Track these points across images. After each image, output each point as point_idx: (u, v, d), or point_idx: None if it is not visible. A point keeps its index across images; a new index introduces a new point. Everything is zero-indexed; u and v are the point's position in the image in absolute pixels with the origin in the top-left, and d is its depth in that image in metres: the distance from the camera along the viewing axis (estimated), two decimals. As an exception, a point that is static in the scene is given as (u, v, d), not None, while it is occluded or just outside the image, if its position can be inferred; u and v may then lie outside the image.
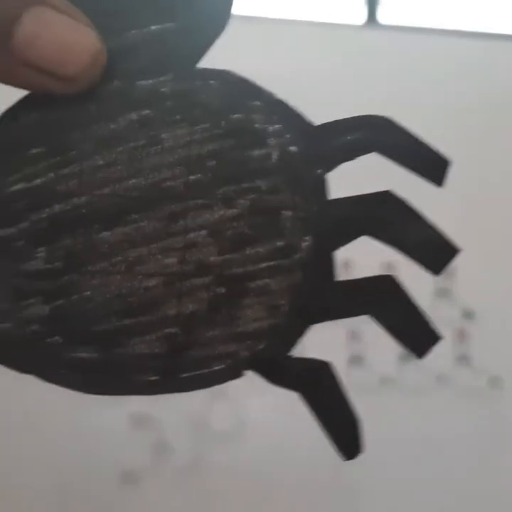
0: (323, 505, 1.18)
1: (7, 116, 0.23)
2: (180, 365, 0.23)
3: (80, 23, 0.21)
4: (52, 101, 0.23)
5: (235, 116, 0.24)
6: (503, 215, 1.20)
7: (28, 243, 0.23)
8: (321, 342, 1.18)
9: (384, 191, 0.24)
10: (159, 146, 0.24)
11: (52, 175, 0.23)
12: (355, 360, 1.17)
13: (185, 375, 0.23)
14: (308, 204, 0.24)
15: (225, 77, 0.24)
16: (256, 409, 1.17)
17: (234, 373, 0.23)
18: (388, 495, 1.19)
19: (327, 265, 0.23)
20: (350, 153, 0.24)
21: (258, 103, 0.24)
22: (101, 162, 0.23)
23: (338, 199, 0.24)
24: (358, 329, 1.17)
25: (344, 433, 0.25)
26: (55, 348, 0.23)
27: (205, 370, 0.23)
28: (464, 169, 1.32)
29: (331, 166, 0.24)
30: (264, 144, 0.24)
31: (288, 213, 0.23)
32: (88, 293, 0.23)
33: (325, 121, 0.24)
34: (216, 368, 0.23)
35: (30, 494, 1.15)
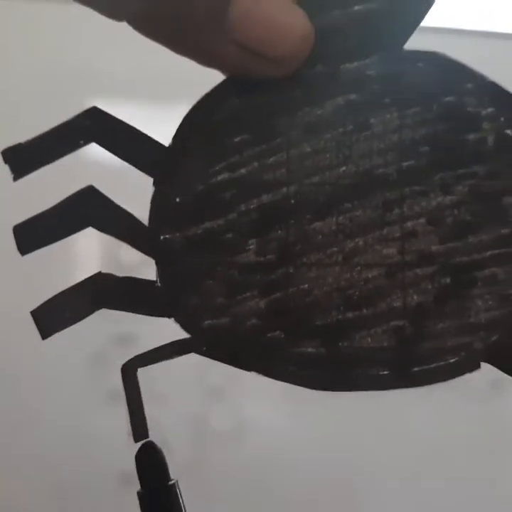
0: (323, 505, 1.18)
1: (206, 101, 0.23)
2: (411, 358, 0.23)
3: (292, 2, 0.20)
4: (255, 85, 0.22)
5: (447, 99, 0.23)
6: None
7: (237, 235, 0.22)
8: None
9: None
10: (369, 132, 0.23)
11: (257, 164, 0.22)
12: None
13: (417, 368, 0.23)
14: None
15: (434, 59, 0.24)
16: (256, 409, 1.17)
17: (470, 365, 0.23)
18: (389, 496, 1.18)
19: None
20: None
21: (470, 85, 0.23)
22: (308, 149, 0.22)
23: None
24: None
25: None
26: (279, 343, 0.23)
27: (440, 363, 0.23)
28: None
29: None
30: (479, 128, 0.23)
31: (510, 199, 0.22)
32: (306, 286, 0.22)
33: None
34: (450, 360, 0.23)
35: (28, 495, 1.15)
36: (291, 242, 0.22)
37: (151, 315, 0.25)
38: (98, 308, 0.24)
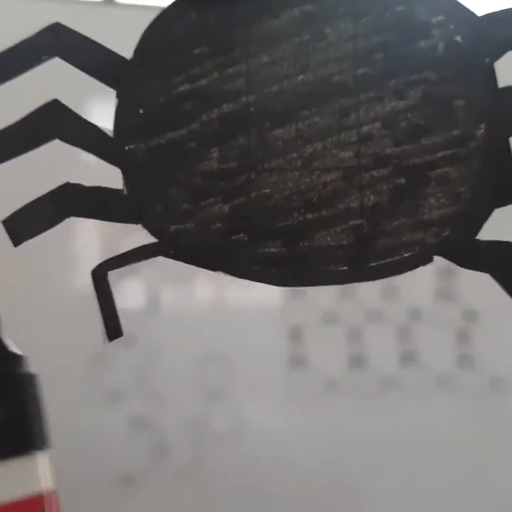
0: (323, 506, 1.18)
1: (165, 15, 0.23)
2: (368, 254, 0.24)
3: None
4: None
5: (399, 8, 0.24)
6: (505, 214, 1.20)
7: (200, 144, 0.23)
8: (320, 343, 1.18)
9: None
10: (324, 41, 0.23)
11: (217, 74, 0.23)
12: (355, 361, 1.17)
13: (374, 263, 0.24)
14: (480, 93, 0.23)
15: None
16: (256, 409, 1.17)
17: (423, 259, 0.25)
18: (388, 495, 1.18)
19: (504, 151, 0.24)
20: None
21: None
22: (267, 59, 0.23)
23: (510, 87, 0.24)
24: (358, 329, 1.16)
25: None
26: (243, 245, 0.24)
27: (395, 258, 0.24)
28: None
29: (498, 55, 0.24)
30: (429, 36, 0.23)
31: (460, 102, 0.23)
32: (267, 190, 0.23)
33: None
34: (405, 255, 0.24)
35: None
36: (252, 149, 0.23)
37: (118, 221, 0.25)
38: (67, 217, 0.25)
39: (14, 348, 0.22)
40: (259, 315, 1.15)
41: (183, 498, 1.14)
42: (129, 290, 1.12)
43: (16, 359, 0.23)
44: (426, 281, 1.16)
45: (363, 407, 1.16)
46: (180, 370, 1.12)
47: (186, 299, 1.12)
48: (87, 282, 1.31)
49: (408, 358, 1.17)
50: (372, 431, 1.16)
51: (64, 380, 1.12)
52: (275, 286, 0.25)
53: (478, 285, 1.32)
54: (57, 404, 1.22)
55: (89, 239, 1.10)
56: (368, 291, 1.17)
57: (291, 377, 1.16)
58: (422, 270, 1.11)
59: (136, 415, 1.12)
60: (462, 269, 0.27)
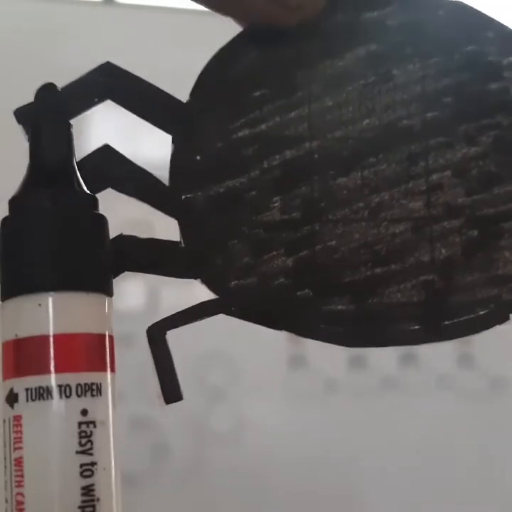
0: (323, 506, 1.18)
1: (224, 54, 0.22)
2: (441, 312, 0.23)
3: None
4: (274, 37, 0.21)
5: (469, 48, 0.22)
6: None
7: (261, 193, 0.22)
8: (320, 343, 1.18)
9: None
10: (391, 83, 0.22)
11: (278, 119, 0.22)
12: (355, 361, 1.17)
13: (447, 322, 0.23)
14: None
15: (454, 7, 0.23)
16: (255, 411, 1.17)
17: (500, 317, 0.23)
18: (388, 495, 1.18)
19: None
20: None
21: (490, 34, 0.23)
22: (330, 103, 0.22)
23: None
24: None
25: None
26: (308, 302, 0.22)
27: (470, 316, 0.23)
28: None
29: None
30: (501, 77, 0.22)
31: None
32: (333, 242, 0.22)
33: None
34: (480, 313, 0.23)
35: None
36: (315, 198, 0.22)
37: (176, 276, 0.25)
38: (122, 272, 0.25)
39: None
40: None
41: (183, 498, 1.14)
42: (129, 290, 1.12)
43: (95, 200, 0.22)
44: None
45: (362, 407, 1.16)
46: (180, 370, 1.12)
47: (186, 299, 1.12)
48: None
49: (408, 357, 1.17)
50: (372, 430, 1.16)
51: None
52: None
53: None
54: None
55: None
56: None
57: (291, 377, 1.16)
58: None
59: (136, 415, 1.13)
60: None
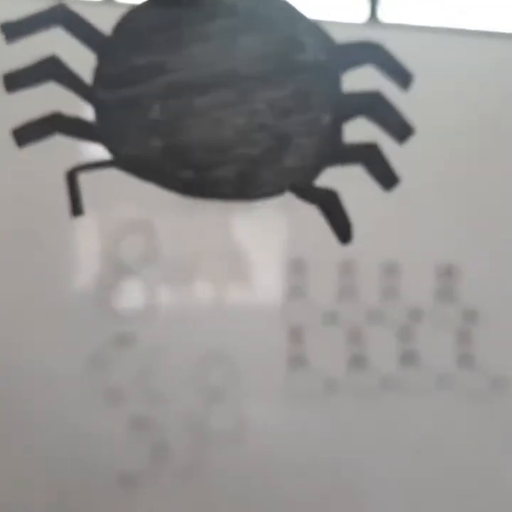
0: (322, 506, 1.19)
1: (135, 10, 0.34)
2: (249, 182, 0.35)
3: None
4: (168, 4, 0.33)
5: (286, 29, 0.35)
6: (506, 215, 1.20)
7: (148, 99, 0.33)
8: (321, 343, 1.18)
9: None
10: (237, 45, 0.34)
11: (165, 55, 0.33)
12: (356, 361, 1.18)
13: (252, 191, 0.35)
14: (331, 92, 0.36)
15: (285, 5, 0.36)
16: (256, 409, 1.18)
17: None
18: (388, 495, 1.19)
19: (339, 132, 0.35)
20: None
21: (302, 23, 0.35)
22: (199, 50, 0.34)
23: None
24: (358, 330, 1.17)
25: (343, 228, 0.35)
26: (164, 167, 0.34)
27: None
28: (465, 169, 1.32)
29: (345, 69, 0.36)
30: (303, 50, 0.35)
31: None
32: (191, 134, 0.34)
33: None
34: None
35: (29, 494, 1.15)
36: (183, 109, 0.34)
37: (88, 141, 0.35)
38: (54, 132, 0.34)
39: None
40: (259, 315, 1.16)
41: (182, 498, 1.15)
42: (130, 290, 1.12)
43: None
44: (426, 281, 1.17)
45: (362, 407, 1.17)
46: (181, 370, 1.13)
47: (186, 299, 1.13)
48: (87, 283, 1.28)
49: (409, 357, 1.18)
50: (372, 430, 1.17)
51: (64, 380, 1.12)
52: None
53: (479, 286, 1.31)
54: (57, 405, 1.21)
55: (91, 242, 1.10)
56: (368, 291, 1.17)
57: (291, 377, 1.17)
58: (422, 270, 1.10)
59: (136, 416, 1.13)
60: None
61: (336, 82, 0.35)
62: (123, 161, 0.33)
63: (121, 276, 1.12)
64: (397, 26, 1.26)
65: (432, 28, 1.25)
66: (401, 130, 0.35)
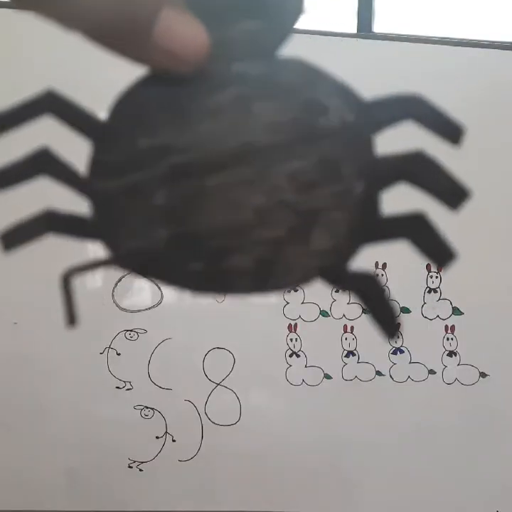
0: (322, 491, 1.21)
1: (132, 88, 0.30)
2: (270, 272, 0.29)
3: (195, 20, 0.27)
4: (168, 79, 0.29)
5: (307, 94, 0.30)
6: (492, 215, 1.21)
7: (151, 183, 0.29)
8: (317, 340, 1.19)
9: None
10: (250, 114, 0.29)
11: (169, 135, 0.29)
12: (350, 353, 1.20)
13: (274, 279, 0.30)
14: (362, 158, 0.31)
15: (298, 64, 0.30)
16: (256, 401, 1.19)
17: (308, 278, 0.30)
18: (383, 482, 1.21)
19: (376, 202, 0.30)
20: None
21: (322, 84, 0.30)
22: (207, 125, 0.29)
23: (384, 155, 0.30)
24: (351, 325, 1.19)
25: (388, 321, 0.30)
26: (175, 260, 0.29)
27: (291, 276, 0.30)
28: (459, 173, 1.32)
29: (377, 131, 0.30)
30: (326, 113, 0.29)
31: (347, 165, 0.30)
32: (199, 221, 0.29)
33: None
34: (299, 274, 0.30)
35: (40, 480, 1.17)
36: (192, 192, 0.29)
37: (85, 239, 0.31)
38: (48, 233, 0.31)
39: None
40: (260, 310, 1.18)
41: (188, 480, 1.18)
42: (133, 290, 1.15)
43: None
44: (416, 279, 1.18)
45: (357, 397, 1.19)
46: (183, 363, 1.15)
47: (187, 299, 1.12)
48: (96, 280, 1.31)
49: (399, 351, 1.20)
50: (365, 419, 1.19)
51: (78, 372, 1.14)
52: None
53: (464, 285, 1.32)
54: (68, 394, 1.23)
55: (87, 248, 1.11)
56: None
57: (290, 369, 1.19)
58: (412, 270, 1.13)
59: (143, 405, 1.16)
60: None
61: (368, 145, 0.29)
62: (123, 257, 0.29)
63: (126, 279, 1.13)
64: (389, 37, 1.24)
65: (425, 38, 1.24)
66: (453, 194, 0.29)
